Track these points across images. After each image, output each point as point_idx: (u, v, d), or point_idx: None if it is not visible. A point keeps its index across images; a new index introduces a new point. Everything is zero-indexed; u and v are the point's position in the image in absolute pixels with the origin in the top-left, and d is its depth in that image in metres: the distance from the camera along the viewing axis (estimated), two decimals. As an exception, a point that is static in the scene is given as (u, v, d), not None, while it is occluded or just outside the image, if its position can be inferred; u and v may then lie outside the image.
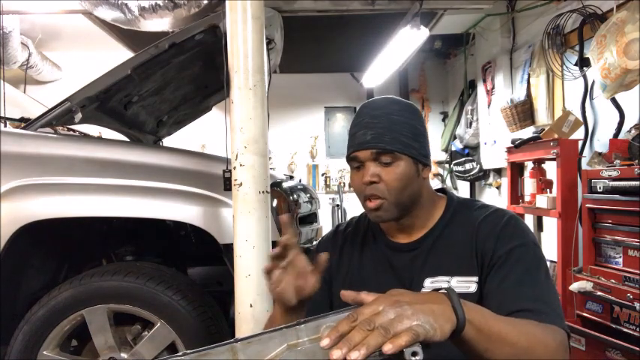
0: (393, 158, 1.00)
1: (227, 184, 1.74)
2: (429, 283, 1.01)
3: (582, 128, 3.09)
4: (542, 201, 2.96)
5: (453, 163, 5.33)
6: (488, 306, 0.82)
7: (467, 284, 0.98)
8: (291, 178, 2.78)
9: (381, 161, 1.01)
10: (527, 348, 0.76)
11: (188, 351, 0.70)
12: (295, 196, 2.08)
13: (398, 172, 1.01)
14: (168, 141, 3.31)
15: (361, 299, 0.69)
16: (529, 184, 3.16)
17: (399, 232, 1.10)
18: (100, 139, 2.68)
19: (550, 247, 3.01)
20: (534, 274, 0.93)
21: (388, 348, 0.60)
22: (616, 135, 2.88)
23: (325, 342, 0.63)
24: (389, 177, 1.01)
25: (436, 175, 6.07)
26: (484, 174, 4.97)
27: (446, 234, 1.05)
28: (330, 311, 0.73)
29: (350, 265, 1.13)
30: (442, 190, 1.15)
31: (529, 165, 3.36)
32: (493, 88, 4.54)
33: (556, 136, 2.89)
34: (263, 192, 1.57)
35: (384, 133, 1.00)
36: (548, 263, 3.17)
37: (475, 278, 0.97)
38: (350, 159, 1.05)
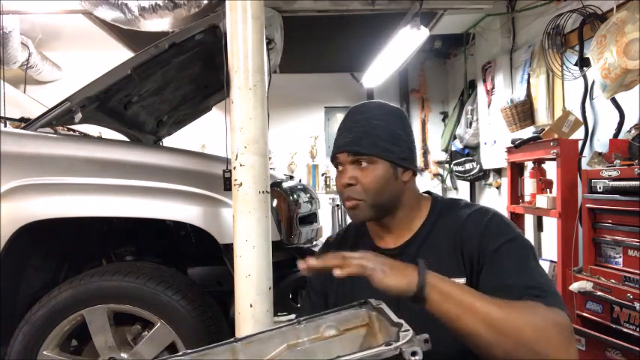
0: (370, 161, 1.04)
1: (227, 184, 1.74)
2: None
3: (582, 128, 3.08)
4: (542, 201, 2.96)
5: (453, 163, 5.33)
6: None
7: None
8: (291, 178, 2.78)
9: (358, 164, 1.04)
10: (506, 320, 0.79)
11: (188, 350, 0.70)
12: (295, 196, 2.08)
13: (374, 175, 1.03)
14: (168, 141, 3.31)
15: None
16: (529, 184, 3.16)
17: (383, 234, 1.11)
18: (100, 139, 2.68)
19: (550, 247, 3.01)
20: (523, 263, 0.94)
21: (338, 272, 0.82)
22: (616, 135, 2.88)
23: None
24: (365, 180, 1.04)
25: (436, 175, 6.07)
26: (484, 174, 4.97)
27: (432, 237, 1.06)
28: None
29: None
30: (428, 193, 1.17)
31: (529, 165, 3.36)
32: (493, 88, 4.54)
33: (556, 136, 2.89)
34: (263, 192, 1.56)
35: (362, 136, 1.03)
36: (548, 263, 3.15)
37: (462, 280, 0.97)
38: (332, 160, 1.10)
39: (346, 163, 1.06)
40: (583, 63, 3.04)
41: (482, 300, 0.81)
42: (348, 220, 1.24)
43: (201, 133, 5.09)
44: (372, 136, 1.04)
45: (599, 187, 2.31)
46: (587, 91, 3.19)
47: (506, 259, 0.94)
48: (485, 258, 0.96)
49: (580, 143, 3.03)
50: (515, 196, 3.34)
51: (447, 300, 0.81)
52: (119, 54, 3.77)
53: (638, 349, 2.02)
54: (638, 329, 2.05)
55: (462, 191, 5.71)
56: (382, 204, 1.05)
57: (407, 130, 1.09)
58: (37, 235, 1.86)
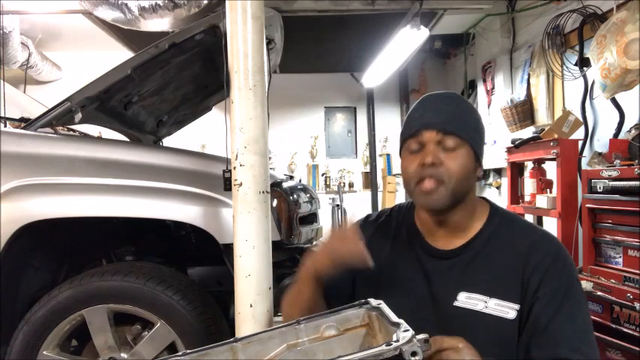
0: (458, 145, 0.98)
1: (227, 184, 1.74)
2: (463, 298, 0.98)
3: (582, 128, 3.09)
4: (542, 201, 2.96)
5: (453, 163, 5.32)
6: (529, 340, 0.90)
7: (506, 309, 0.95)
8: (291, 178, 2.78)
9: (445, 145, 0.98)
10: None
11: (188, 351, 0.70)
12: (295, 196, 2.07)
13: (460, 159, 0.98)
14: (168, 141, 3.31)
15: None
16: (529, 184, 3.16)
17: (437, 231, 1.05)
18: (100, 139, 2.68)
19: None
20: (578, 316, 0.93)
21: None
22: (616, 135, 2.88)
23: None
24: (451, 162, 0.97)
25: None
26: (484, 174, 4.97)
27: (488, 249, 1.01)
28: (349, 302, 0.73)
29: (379, 259, 1.05)
30: (483, 199, 1.12)
31: (529, 165, 3.36)
32: (493, 88, 4.54)
33: (556, 136, 2.89)
34: (263, 192, 1.56)
35: (452, 119, 0.99)
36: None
37: (516, 306, 0.95)
38: (410, 138, 1.01)
39: (430, 142, 0.98)
40: (583, 63, 3.04)
41: None
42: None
43: (201, 133, 5.09)
44: (461, 122, 0.99)
45: (599, 187, 2.30)
46: (587, 91, 3.19)
47: (562, 306, 0.93)
48: (544, 295, 0.94)
49: (580, 143, 3.03)
50: (515, 196, 3.35)
51: None
52: (119, 54, 3.77)
53: (638, 349, 2.02)
54: (638, 329, 2.04)
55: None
56: (459, 193, 0.99)
57: (484, 126, 1.06)
58: (37, 235, 1.86)
